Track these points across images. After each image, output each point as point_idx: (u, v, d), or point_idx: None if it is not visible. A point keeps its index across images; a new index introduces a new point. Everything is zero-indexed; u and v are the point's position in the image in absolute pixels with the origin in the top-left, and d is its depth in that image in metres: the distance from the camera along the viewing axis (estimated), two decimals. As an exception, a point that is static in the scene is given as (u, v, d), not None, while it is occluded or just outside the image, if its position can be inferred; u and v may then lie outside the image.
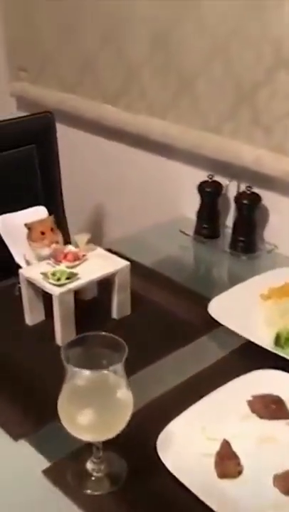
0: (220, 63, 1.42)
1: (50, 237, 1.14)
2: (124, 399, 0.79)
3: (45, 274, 1.10)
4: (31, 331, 1.15)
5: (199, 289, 1.29)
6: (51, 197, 1.49)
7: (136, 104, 1.66)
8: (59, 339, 1.10)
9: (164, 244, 1.50)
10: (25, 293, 1.13)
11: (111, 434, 0.79)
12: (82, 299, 1.19)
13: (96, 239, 2.05)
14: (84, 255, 1.17)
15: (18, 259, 1.21)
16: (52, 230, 1.15)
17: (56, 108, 1.82)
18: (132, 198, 1.83)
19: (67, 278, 1.09)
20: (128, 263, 1.17)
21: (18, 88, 2.02)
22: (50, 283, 1.08)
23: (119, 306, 1.18)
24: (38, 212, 1.26)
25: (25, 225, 1.15)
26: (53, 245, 1.15)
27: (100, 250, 1.21)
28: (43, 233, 1.14)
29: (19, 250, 1.21)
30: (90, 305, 1.21)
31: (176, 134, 1.57)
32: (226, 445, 0.88)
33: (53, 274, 1.09)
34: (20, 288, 1.14)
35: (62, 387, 0.79)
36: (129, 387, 0.80)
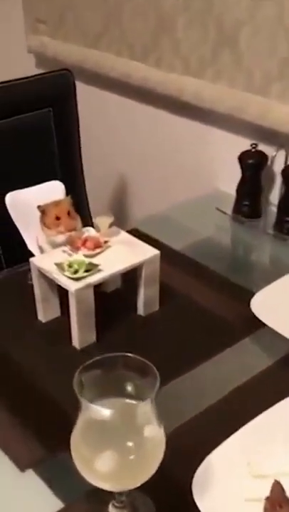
0: (270, 8, 1.20)
1: (67, 224, 0.97)
2: (155, 438, 0.63)
3: (60, 265, 0.93)
4: (44, 330, 0.99)
5: (239, 280, 1.11)
6: (69, 169, 1.31)
7: (168, 60, 1.46)
8: (76, 341, 0.94)
9: (197, 225, 1.32)
10: (38, 285, 0.97)
11: (136, 482, 0.63)
12: (103, 291, 1.03)
13: (120, 218, 1.86)
14: (106, 242, 1.00)
15: (30, 244, 1.04)
16: (69, 213, 0.97)
17: (78, 65, 1.62)
18: (161, 170, 1.64)
19: (87, 270, 0.92)
20: (158, 252, 0.99)
21: (35, 43, 1.81)
22: (66, 276, 0.91)
23: (146, 301, 1.01)
24: (54, 189, 1.08)
25: (38, 207, 0.98)
26: (71, 233, 0.97)
27: (124, 235, 1.04)
28: (58, 218, 0.97)
29: (31, 234, 1.04)
30: (112, 298, 1.04)
31: (215, 95, 1.36)
32: (277, 487, 0.71)
33: (70, 266, 0.92)
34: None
35: (77, 419, 0.63)
36: (161, 423, 0.64)
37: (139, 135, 1.64)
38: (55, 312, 1.01)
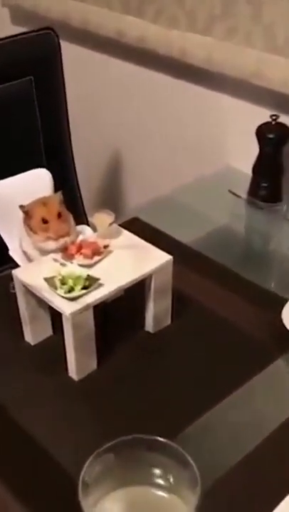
0: None
1: (56, 229, 0.78)
2: None
3: (50, 281, 0.75)
4: (33, 355, 0.82)
5: (265, 282, 0.94)
6: (56, 150, 1.11)
7: (169, 14, 1.23)
8: (73, 372, 0.77)
9: (207, 212, 1.13)
10: (24, 303, 0.79)
11: None
12: (103, 301, 0.85)
13: (117, 205, 1.67)
14: (106, 246, 0.81)
15: (12, 249, 0.86)
16: (59, 215, 0.79)
17: (62, 21, 1.39)
18: (163, 147, 1.43)
19: (84, 287, 0.74)
20: (170, 258, 0.81)
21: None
22: (59, 295, 0.73)
23: (156, 316, 0.84)
24: (39, 179, 0.89)
25: (21, 207, 0.79)
26: (62, 240, 0.79)
27: (127, 236, 0.86)
28: (45, 221, 0.78)
29: (12, 235, 0.85)
30: (114, 310, 0.87)
31: (227, 57, 1.17)
32: None
33: (63, 282, 0.74)
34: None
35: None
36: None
37: (137, 105, 1.43)
38: (46, 331, 0.84)
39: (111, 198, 1.50)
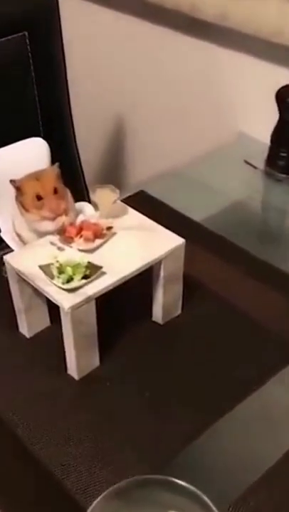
0: None
1: (52, 206, 0.69)
2: None
3: (46, 269, 0.66)
4: (28, 350, 0.74)
5: (284, 265, 0.85)
6: (54, 118, 1.00)
7: None
8: (74, 371, 0.69)
9: (220, 185, 1.03)
10: (17, 292, 0.70)
11: None
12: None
13: (121, 178, 1.55)
14: (110, 228, 0.72)
15: (4, 229, 0.76)
16: (55, 191, 0.69)
17: None
18: (170, 112, 1.31)
19: (85, 276, 0.65)
20: (182, 242, 0.72)
21: None
22: (57, 285, 0.64)
23: (165, 306, 0.75)
24: (34, 149, 0.80)
25: (12, 183, 0.69)
26: (59, 219, 0.69)
27: (134, 215, 0.76)
28: (39, 198, 0.68)
29: (4, 214, 0.76)
30: (118, 298, 0.77)
31: (242, 11, 1.04)
32: None
33: (61, 271, 0.65)
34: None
35: None
36: None
37: (142, 66, 1.31)
38: (44, 322, 0.75)
39: (114, 171, 1.39)
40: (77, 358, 0.67)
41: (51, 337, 0.74)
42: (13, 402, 0.67)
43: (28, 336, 0.74)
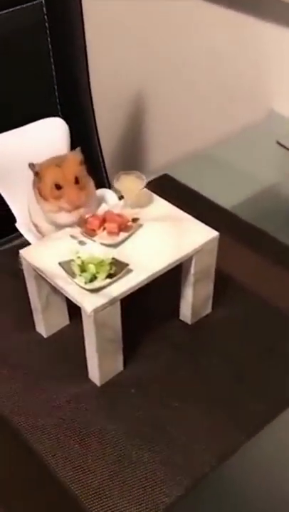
0: None
1: (72, 197, 0.62)
2: None
3: (67, 267, 0.59)
4: (46, 352, 0.68)
5: None
6: (72, 96, 0.91)
7: None
8: (96, 377, 0.63)
9: (251, 168, 0.96)
10: (34, 288, 0.64)
11: None
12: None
13: (144, 160, 1.45)
14: (135, 220, 0.65)
15: (20, 219, 0.70)
16: (76, 180, 0.62)
17: None
18: (197, 88, 1.21)
19: (109, 275, 0.59)
20: (216, 234, 0.65)
21: None
22: (78, 285, 0.58)
23: (195, 304, 0.68)
24: (52, 131, 0.73)
25: (31, 167, 0.62)
26: (78, 211, 0.63)
27: (161, 204, 0.69)
28: (59, 187, 0.62)
29: (19, 202, 0.70)
30: (143, 296, 0.71)
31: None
32: None
33: (83, 269, 0.59)
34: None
35: None
36: None
37: (166, 38, 1.23)
38: (62, 321, 0.69)
39: (135, 153, 1.31)
40: (100, 364, 0.61)
41: (70, 337, 0.68)
42: (27, 411, 0.61)
43: (45, 335, 0.69)
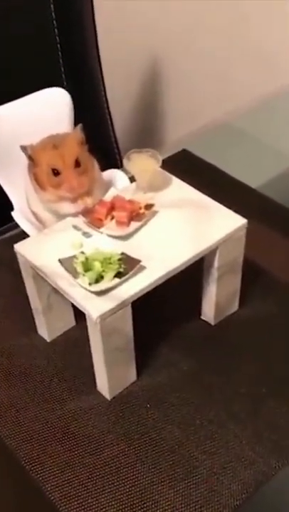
0: None
1: (72, 184, 0.53)
2: None
3: (68, 265, 0.50)
4: (48, 358, 0.59)
5: None
6: (79, 66, 0.81)
7: None
8: (104, 389, 0.55)
9: (277, 143, 0.85)
10: (33, 288, 0.56)
11: None
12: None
13: (160, 134, 1.34)
14: (149, 207, 0.56)
15: (17, 207, 0.61)
16: (77, 163, 0.53)
17: None
18: (217, 56, 1.10)
19: (118, 274, 0.50)
20: (244, 222, 0.56)
21: None
22: (82, 286, 0.49)
23: (219, 303, 0.59)
24: (53, 103, 0.63)
25: (23, 149, 0.53)
26: (84, 200, 0.53)
27: (179, 186, 0.60)
28: (57, 172, 0.52)
29: (17, 186, 0.61)
30: (157, 292, 0.62)
31: None
32: None
33: (87, 267, 0.50)
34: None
35: None
36: None
37: (183, 3, 1.10)
38: (67, 322, 0.61)
39: (151, 126, 1.20)
40: (109, 376, 0.53)
41: (77, 341, 0.60)
42: (24, 432, 0.53)
43: (48, 339, 0.60)
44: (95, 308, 0.48)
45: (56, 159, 0.52)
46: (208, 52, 1.11)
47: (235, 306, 0.62)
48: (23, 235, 0.59)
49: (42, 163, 0.52)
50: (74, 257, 0.51)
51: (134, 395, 0.55)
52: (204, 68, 1.14)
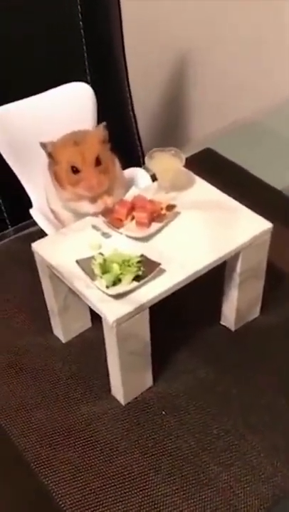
0: None
1: (92, 182, 0.51)
2: None
3: (86, 266, 0.49)
4: (62, 360, 0.58)
5: None
6: (103, 59, 0.79)
7: None
8: (119, 394, 0.53)
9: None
10: (49, 288, 0.54)
11: None
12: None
13: (183, 131, 1.30)
14: (171, 208, 0.54)
15: (36, 205, 0.60)
16: (98, 161, 0.51)
17: None
18: (244, 51, 1.07)
19: (136, 278, 0.48)
20: (269, 226, 0.54)
21: None
22: (100, 289, 0.48)
23: (240, 308, 0.57)
24: (76, 98, 0.62)
25: (43, 146, 0.51)
26: (104, 200, 0.52)
27: (203, 187, 0.58)
28: (76, 170, 0.51)
29: (36, 183, 0.59)
30: (175, 296, 0.60)
31: None
32: None
33: (105, 269, 0.48)
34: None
35: None
36: None
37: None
38: (83, 324, 0.59)
39: (174, 123, 1.17)
40: (124, 381, 0.51)
41: (92, 343, 0.58)
42: (36, 435, 0.52)
43: (63, 340, 0.59)
44: (111, 312, 0.47)
45: (76, 157, 0.50)
46: (237, 46, 1.08)
47: (256, 312, 0.60)
48: (42, 233, 0.58)
49: (62, 161, 0.51)
50: (92, 258, 0.50)
51: (149, 401, 0.54)
52: (231, 63, 1.11)
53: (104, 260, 0.49)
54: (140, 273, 0.48)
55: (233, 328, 0.59)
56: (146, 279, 0.48)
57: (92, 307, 0.49)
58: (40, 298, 0.59)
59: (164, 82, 1.23)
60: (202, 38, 1.12)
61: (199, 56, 1.15)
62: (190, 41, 1.16)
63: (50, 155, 0.52)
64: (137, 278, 0.48)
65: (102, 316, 0.48)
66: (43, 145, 0.51)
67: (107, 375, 0.54)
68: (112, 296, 0.48)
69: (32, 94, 0.62)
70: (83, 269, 0.49)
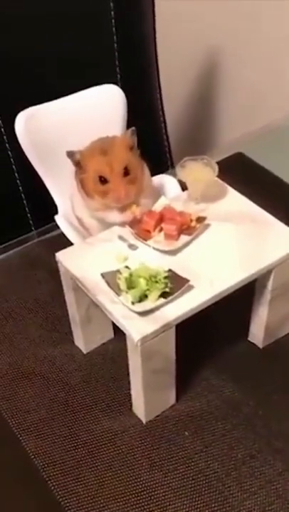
0: None
1: (120, 193, 0.49)
2: None
3: (111, 280, 0.47)
4: (83, 371, 0.56)
5: None
6: (134, 62, 0.75)
7: None
8: (141, 412, 0.51)
9: None
10: (72, 299, 0.53)
11: None
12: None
13: (214, 135, 1.26)
14: (201, 220, 0.52)
15: (62, 210, 0.58)
16: (126, 171, 0.49)
17: None
18: (276, 51, 1.04)
19: (164, 294, 0.46)
20: (303, 244, 0.51)
21: None
22: (124, 305, 0.46)
23: (269, 326, 0.55)
24: (106, 101, 0.60)
25: (69, 155, 0.50)
26: (132, 210, 0.50)
27: (236, 199, 0.55)
28: (104, 180, 0.49)
29: (62, 188, 0.57)
30: (202, 311, 0.58)
31: None
32: None
33: (131, 285, 0.46)
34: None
35: None
36: None
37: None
38: (105, 335, 0.58)
39: (204, 126, 1.14)
40: (146, 399, 0.49)
41: (114, 355, 0.57)
42: (50, 452, 0.50)
43: (84, 351, 0.57)
44: (136, 329, 0.45)
45: (104, 167, 0.49)
46: (271, 44, 1.05)
47: (286, 329, 0.58)
48: (64, 238, 0.57)
49: (89, 170, 0.49)
50: (118, 271, 0.48)
51: (171, 420, 0.52)
52: (265, 64, 1.07)
53: (131, 275, 0.47)
54: (167, 290, 0.46)
55: (261, 346, 0.57)
56: (173, 296, 0.46)
57: (115, 323, 0.47)
58: (62, 305, 0.57)
59: (194, 81, 1.20)
60: (234, 36, 1.08)
61: (231, 55, 1.12)
62: (222, 39, 1.12)
63: (77, 163, 0.50)
64: (163, 294, 0.46)
65: (126, 333, 0.46)
66: (71, 153, 0.49)
67: (129, 389, 0.52)
68: (137, 313, 0.46)
69: (61, 95, 0.60)
70: (108, 283, 0.47)
